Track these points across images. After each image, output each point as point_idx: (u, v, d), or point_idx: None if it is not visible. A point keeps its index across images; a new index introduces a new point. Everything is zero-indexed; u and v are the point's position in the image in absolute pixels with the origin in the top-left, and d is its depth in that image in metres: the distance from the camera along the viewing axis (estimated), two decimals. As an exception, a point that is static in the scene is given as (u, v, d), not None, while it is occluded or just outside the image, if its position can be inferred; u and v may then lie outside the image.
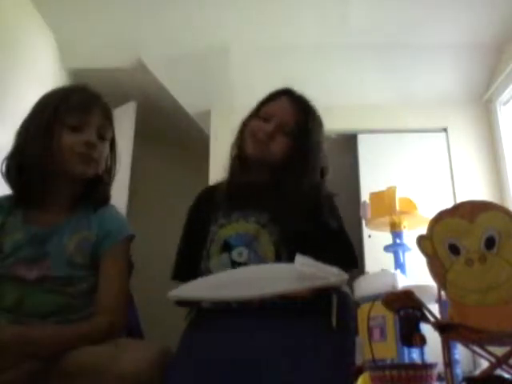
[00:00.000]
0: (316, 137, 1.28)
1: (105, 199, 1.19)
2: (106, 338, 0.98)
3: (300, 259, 0.85)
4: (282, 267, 0.90)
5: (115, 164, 1.24)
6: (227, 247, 1.17)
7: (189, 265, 1.24)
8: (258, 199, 1.20)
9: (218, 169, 4.36)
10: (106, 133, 1.15)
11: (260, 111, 1.33)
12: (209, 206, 1.29)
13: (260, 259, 1.12)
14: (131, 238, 1.26)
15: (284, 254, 1.12)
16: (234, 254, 1.15)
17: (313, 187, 1.22)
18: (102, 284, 1.09)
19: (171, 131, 4.34)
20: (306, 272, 0.78)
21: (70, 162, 1.08)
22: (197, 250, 1.23)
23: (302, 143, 1.24)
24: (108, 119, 1.17)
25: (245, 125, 1.35)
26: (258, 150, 1.24)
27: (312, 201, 1.19)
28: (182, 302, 0.82)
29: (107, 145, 1.18)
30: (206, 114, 3.94)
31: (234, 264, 1.14)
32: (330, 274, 0.79)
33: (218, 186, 1.36)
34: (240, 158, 1.32)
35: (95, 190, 1.16)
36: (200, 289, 0.81)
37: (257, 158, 1.24)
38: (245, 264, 1.13)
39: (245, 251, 1.14)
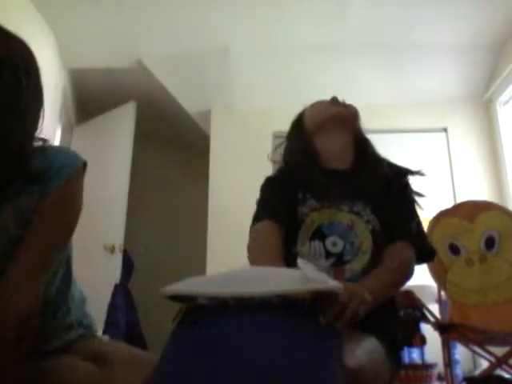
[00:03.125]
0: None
1: (17, 165, 0.83)
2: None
3: (302, 264, 0.85)
4: (284, 270, 0.89)
5: (31, 99, 0.92)
6: (319, 234, 1.13)
7: (281, 209, 1.16)
8: (349, 186, 1.17)
9: (218, 169, 4.37)
10: None
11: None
12: (293, 184, 1.22)
13: (355, 250, 1.11)
14: (80, 170, 0.90)
15: (381, 242, 1.12)
16: (328, 243, 1.13)
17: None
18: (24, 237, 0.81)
19: (171, 131, 4.34)
20: (307, 275, 0.78)
21: None
22: (286, 203, 1.18)
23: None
24: None
25: (298, 123, 1.33)
26: (337, 109, 1.25)
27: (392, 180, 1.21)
28: (175, 297, 0.80)
29: None
30: (206, 114, 3.94)
31: (329, 254, 1.12)
32: (329, 281, 0.79)
33: (297, 168, 1.27)
34: (316, 131, 1.27)
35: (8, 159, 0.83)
36: (197, 284, 0.80)
37: (341, 114, 1.25)
38: (339, 255, 1.11)
39: (339, 241, 1.12)
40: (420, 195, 1.25)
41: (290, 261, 1.08)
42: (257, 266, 1.01)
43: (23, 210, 0.83)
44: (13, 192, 0.84)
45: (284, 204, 1.17)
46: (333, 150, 1.25)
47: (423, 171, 1.26)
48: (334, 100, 1.26)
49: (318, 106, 1.29)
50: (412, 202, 1.22)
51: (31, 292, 0.80)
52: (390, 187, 1.18)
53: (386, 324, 1.08)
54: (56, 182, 0.85)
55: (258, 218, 1.18)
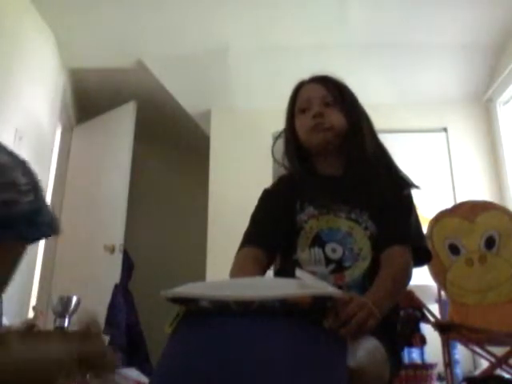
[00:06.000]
0: (353, 97, 1.28)
1: None
2: None
3: (300, 273, 0.86)
4: (284, 279, 0.92)
5: None
6: (319, 241, 1.14)
7: (269, 234, 1.16)
8: (345, 192, 1.17)
9: (218, 169, 4.35)
10: None
11: (295, 109, 1.27)
12: (291, 194, 1.21)
13: (355, 256, 1.12)
14: None
15: (379, 247, 1.11)
16: (328, 250, 1.13)
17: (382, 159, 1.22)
18: None
19: (171, 131, 4.35)
20: (305, 282, 0.80)
21: None
22: (275, 228, 1.17)
23: (349, 106, 1.23)
24: None
25: (289, 129, 1.27)
26: (320, 136, 1.19)
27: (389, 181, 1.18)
28: (176, 300, 0.81)
29: None
30: (206, 114, 3.94)
31: (329, 261, 1.12)
32: (327, 287, 0.81)
33: (294, 177, 1.26)
34: (309, 151, 1.24)
35: None
36: (198, 288, 0.81)
37: (324, 141, 1.19)
38: (339, 261, 1.11)
39: (339, 248, 1.12)
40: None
41: (289, 268, 1.08)
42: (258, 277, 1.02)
43: None
44: None
45: (272, 228, 1.17)
46: (326, 162, 1.24)
47: (420, 186, 1.23)
48: (317, 124, 1.19)
49: (303, 128, 1.23)
50: (410, 207, 1.21)
51: None
52: (384, 195, 1.16)
53: (387, 324, 1.08)
54: None
55: (243, 242, 1.18)
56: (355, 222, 1.14)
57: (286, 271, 1.08)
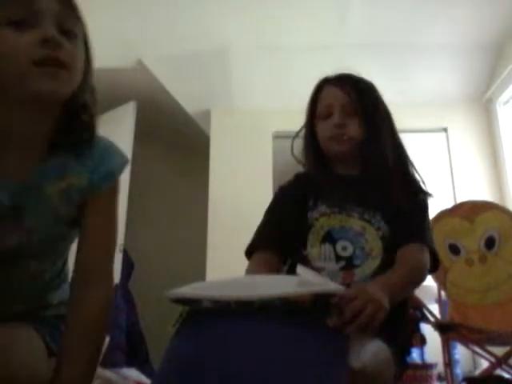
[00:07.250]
0: (375, 100, 1.29)
1: (90, 129, 0.88)
2: (107, 308, 0.88)
3: (301, 270, 0.86)
4: (285, 276, 0.93)
5: (92, 74, 0.85)
6: (330, 238, 1.14)
7: (282, 235, 1.17)
8: (360, 192, 1.18)
9: (217, 169, 4.35)
10: (70, 24, 0.76)
11: (316, 112, 1.28)
12: (305, 191, 1.22)
13: (366, 255, 1.12)
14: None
15: (391, 248, 1.11)
16: (338, 247, 1.13)
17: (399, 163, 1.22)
18: (90, 238, 0.89)
19: (171, 131, 4.35)
20: (306, 279, 0.80)
21: (28, 78, 0.71)
22: (288, 228, 1.18)
23: (369, 114, 1.23)
24: (68, 5, 0.77)
25: (309, 130, 1.29)
26: (339, 147, 1.21)
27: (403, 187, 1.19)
28: (178, 300, 0.81)
29: (79, 44, 0.79)
30: (206, 114, 3.94)
31: (339, 258, 1.12)
32: (329, 283, 0.81)
33: (310, 175, 1.28)
34: (326, 156, 1.26)
35: (75, 119, 0.83)
36: (200, 288, 0.81)
37: (343, 151, 1.21)
38: (349, 258, 1.11)
39: (349, 246, 1.13)
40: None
41: (300, 263, 1.08)
42: (257, 275, 1.03)
43: (70, 189, 0.84)
44: (57, 164, 0.83)
45: (286, 227, 1.18)
46: (344, 164, 1.25)
47: (432, 194, 1.28)
48: (337, 134, 1.20)
49: (323, 135, 1.24)
50: (425, 211, 1.23)
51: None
52: (399, 199, 1.16)
53: (393, 324, 1.07)
54: (107, 182, 0.88)
55: (256, 243, 1.18)
56: (368, 222, 1.15)
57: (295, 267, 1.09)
